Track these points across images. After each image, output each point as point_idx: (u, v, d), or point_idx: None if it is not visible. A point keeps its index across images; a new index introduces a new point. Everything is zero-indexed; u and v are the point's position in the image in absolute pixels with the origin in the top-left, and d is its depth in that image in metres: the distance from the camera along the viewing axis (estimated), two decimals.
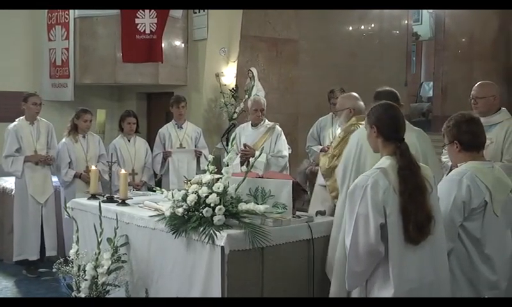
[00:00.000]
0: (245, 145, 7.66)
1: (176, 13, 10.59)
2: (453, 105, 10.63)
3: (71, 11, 10.43)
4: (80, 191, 8.13)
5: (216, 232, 4.55)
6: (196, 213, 4.75)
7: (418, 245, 3.70)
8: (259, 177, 5.25)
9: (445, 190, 4.12)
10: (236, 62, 10.66)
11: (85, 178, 8.27)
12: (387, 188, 3.68)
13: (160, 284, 5.19)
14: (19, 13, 10.36)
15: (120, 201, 5.94)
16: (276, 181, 5.12)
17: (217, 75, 10.58)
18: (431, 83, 14.13)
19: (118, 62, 10.43)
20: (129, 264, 5.50)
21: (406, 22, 12.79)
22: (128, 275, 5.50)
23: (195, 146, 9.11)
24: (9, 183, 9.03)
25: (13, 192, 8.65)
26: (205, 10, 10.46)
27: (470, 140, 4.24)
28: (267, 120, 8.02)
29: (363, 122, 6.31)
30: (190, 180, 5.14)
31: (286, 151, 7.86)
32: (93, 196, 6.34)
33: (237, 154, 7.50)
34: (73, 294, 5.63)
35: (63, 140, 8.51)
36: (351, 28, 12.21)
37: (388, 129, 3.88)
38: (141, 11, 10.21)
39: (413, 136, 5.04)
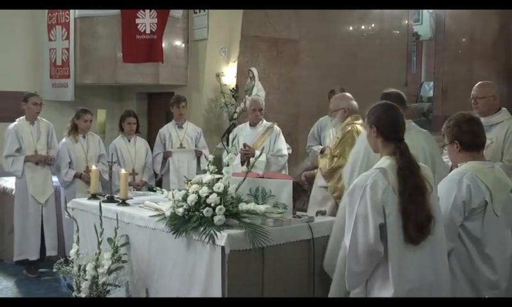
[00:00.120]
0: (245, 145, 7.66)
1: (177, 13, 10.59)
2: (453, 105, 10.63)
3: (71, 11, 10.43)
4: (80, 191, 8.13)
5: (217, 232, 4.55)
6: (197, 213, 4.75)
7: (418, 245, 3.70)
8: (260, 177, 5.24)
9: (445, 190, 4.12)
10: (236, 62, 10.67)
11: (85, 178, 8.28)
12: (386, 189, 3.67)
13: (161, 284, 5.19)
14: (19, 13, 10.35)
15: (121, 201, 5.94)
16: (276, 181, 5.13)
17: (218, 75, 10.58)
18: (431, 83, 14.12)
19: (118, 62, 10.43)
20: (129, 264, 5.50)
21: (407, 22, 12.80)
22: (129, 275, 5.50)
23: (195, 146, 9.11)
24: (9, 183, 9.03)
25: (14, 192, 8.65)
26: (206, 10, 10.46)
27: (470, 140, 4.24)
28: (265, 120, 8.03)
29: (358, 121, 6.37)
30: (190, 180, 5.14)
31: (285, 150, 7.89)
32: (94, 196, 6.34)
33: (235, 154, 7.51)
34: (74, 294, 5.63)
35: (63, 140, 8.51)
36: (351, 28, 12.21)
37: (387, 129, 3.88)
38: (141, 11, 10.21)
39: (420, 138, 5.05)
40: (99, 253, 5.43)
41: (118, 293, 5.49)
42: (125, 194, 5.97)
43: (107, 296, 5.44)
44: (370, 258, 3.70)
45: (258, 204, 4.84)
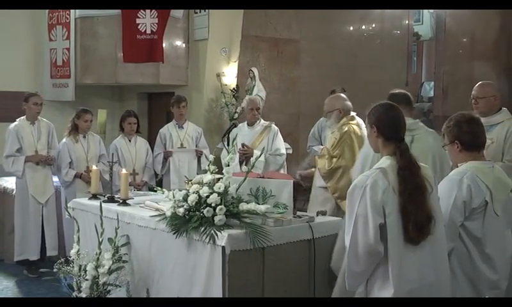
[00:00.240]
0: (243, 145, 7.66)
1: (177, 13, 10.60)
2: (454, 105, 10.61)
3: (72, 11, 10.45)
4: (80, 191, 8.13)
5: (217, 232, 4.55)
6: (197, 213, 4.74)
7: (418, 246, 3.70)
8: (260, 177, 5.24)
9: (445, 190, 4.12)
10: (237, 62, 10.67)
11: (85, 178, 8.29)
12: (386, 189, 3.67)
13: (161, 284, 5.19)
14: (20, 13, 10.36)
15: (121, 201, 5.94)
16: (276, 181, 5.12)
17: (218, 75, 10.59)
18: (432, 83, 14.09)
19: (118, 62, 10.44)
20: (130, 264, 5.50)
21: (407, 22, 12.78)
22: (129, 275, 5.49)
23: (196, 146, 9.12)
24: (10, 183, 9.03)
25: (14, 192, 8.65)
26: (206, 10, 10.46)
27: (470, 140, 4.24)
28: (262, 119, 8.05)
29: (353, 121, 6.39)
30: (191, 180, 5.14)
31: (283, 149, 7.91)
32: (94, 196, 6.34)
33: (233, 154, 7.51)
34: (74, 294, 5.63)
35: (64, 140, 8.52)
36: (351, 28, 12.21)
37: (388, 129, 3.88)
38: (141, 11, 10.22)
39: (429, 138, 5.06)
40: (100, 253, 5.43)
41: (118, 293, 5.49)
42: (125, 194, 5.96)
43: (108, 296, 5.44)
44: (370, 258, 3.70)
45: (259, 204, 4.84)
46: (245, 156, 7.61)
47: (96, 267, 5.40)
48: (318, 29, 11.42)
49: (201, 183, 4.89)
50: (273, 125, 7.93)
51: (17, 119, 8.47)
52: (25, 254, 8.40)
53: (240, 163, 7.53)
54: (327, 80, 10.39)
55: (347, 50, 11.70)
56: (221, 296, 4.53)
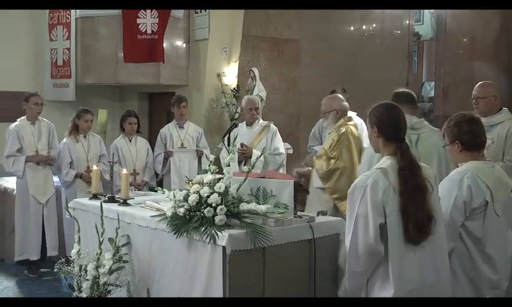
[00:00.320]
0: (242, 144, 7.66)
1: (178, 13, 10.60)
2: (454, 105, 10.62)
3: (72, 11, 10.45)
4: (81, 191, 8.14)
5: (218, 232, 4.54)
6: (198, 213, 4.74)
7: (419, 246, 3.70)
8: (261, 177, 5.24)
9: (445, 190, 4.12)
10: (237, 62, 10.68)
11: (86, 178, 8.30)
12: (387, 189, 3.67)
13: (162, 284, 5.18)
14: (20, 13, 10.37)
15: (122, 201, 5.94)
16: (277, 181, 5.12)
17: (219, 75, 10.60)
18: (433, 83, 14.10)
19: (119, 62, 10.44)
20: (131, 264, 5.50)
21: (408, 22, 12.78)
22: (130, 275, 5.49)
23: (196, 146, 9.11)
24: (10, 183, 9.03)
25: (15, 192, 8.66)
26: (207, 10, 10.47)
27: (471, 140, 4.24)
28: (261, 119, 8.05)
29: (351, 122, 6.39)
30: (191, 180, 5.13)
31: (282, 148, 7.92)
32: (95, 196, 6.34)
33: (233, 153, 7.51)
34: (75, 294, 5.62)
35: (64, 140, 8.52)
36: (352, 28, 12.22)
37: (389, 129, 3.88)
38: (142, 11, 10.22)
39: (434, 136, 5.07)
40: (100, 253, 5.42)
41: (119, 293, 5.48)
42: (126, 194, 5.96)
43: (108, 296, 5.44)
44: (371, 258, 3.70)
45: (259, 204, 4.84)
46: (244, 156, 7.61)
47: (97, 267, 5.39)
48: (318, 29, 11.43)
49: (201, 183, 4.89)
50: (272, 125, 7.94)
51: (18, 119, 8.48)
52: (25, 254, 8.40)
53: (239, 163, 7.53)
54: (327, 80, 10.38)
55: (347, 50, 11.71)
56: (221, 296, 4.53)
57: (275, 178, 5.24)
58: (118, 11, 10.22)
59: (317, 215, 5.25)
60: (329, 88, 8.48)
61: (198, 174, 7.24)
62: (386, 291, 3.67)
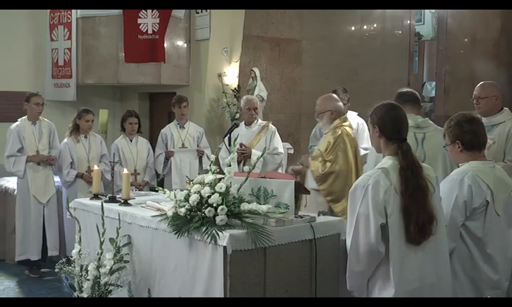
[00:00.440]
0: (241, 144, 7.65)
1: (179, 13, 10.61)
2: (455, 105, 10.63)
3: (73, 11, 10.45)
4: (82, 191, 8.15)
5: (218, 232, 4.54)
6: (199, 213, 4.74)
7: (420, 246, 3.70)
8: (261, 177, 5.24)
9: (446, 190, 4.12)
10: (238, 62, 10.68)
11: (86, 178, 8.31)
12: (388, 189, 3.67)
13: (163, 284, 5.18)
14: (21, 13, 10.37)
15: (122, 201, 5.94)
16: (278, 181, 5.12)
17: (220, 75, 10.60)
18: (434, 83, 14.10)
19: (120, 62, 10.45)
20: (131, 264, 5.50)
21: (409, 22, 12.78)
22: (131, 275, 5.49)
23: (197, 146, 9.11)
24: (11, 183, 9.04)
25: (15, 192, 8.66)
26: (208, 10, 10.47)
27: (471, 139, 4.24)
28: (260, 119, 8.05)
29: (346, 123, 6.38)
30: (192, 180, 5.13)
31: (281, 148, 7.92)
32: (96, 196, 6.34)
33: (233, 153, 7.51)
34: (76, 294, 5.62)
35: (65, 140, 8.53)
36: (353, 28, 12.22)
37: (390, 129, 3.88)
38: (143, 11, 10.23)
39: (439, 135, 5.07)
40: (101, 253, 5.42)
41: (120, 293, 5.48)
42: (127, 194, 5.96)
43: (109, 296, 5.44)
44: (371, 258, 3.70)
45: (260, 204, 4.83)
46: (243, 156, 7.61)
47: (98, 267, 5.39)
48: (319, 29, 11.43)
49: (202, 183, 4.88)
50: (270, 125, 7.93)
51: (18, 119, 8.48)
52: (26, 254, 8.40)
53: (238, 162, 7.53)
54: (328, 81, 10.41)
55: (348, 51, 11.72)
56: (222, 296, 4.53)
57: (276, 178, 5.24)
58: (119, 11, 10.23)
59: (318, 215, 5.25)
60: (330, 88, 8.46)
61: (198, 174, 7.22)
62: (387, 291, 3.67)
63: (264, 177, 5.22)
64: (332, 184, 6.18)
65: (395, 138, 3.85)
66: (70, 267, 5.62)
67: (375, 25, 12.39)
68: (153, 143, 9.25)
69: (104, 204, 5.63)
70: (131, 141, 8.73)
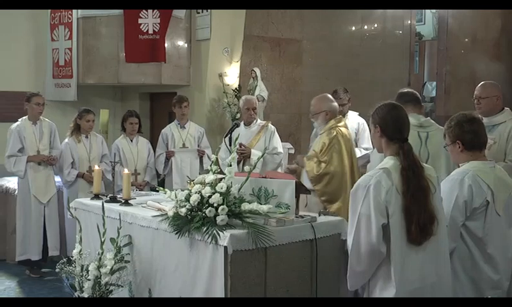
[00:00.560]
0: (240, 144, 7.65)
1: (180, 13, 10.61)
2: (456, 105, 10.64)
3: (74, 11, 10.45)
4: (82, 191, 8.16)
5: (219, 232, 4.54)
6: (199, 213, 4.74)
7: (421, 246, 3.70)
8: (262, 177, 5.24)
9: (446, 190, 4.12)
10: (239, 62, 10.68)
11: (87, 178, 8.31)
12: (390, 189, 3.67)
13: (164, 284, 5.19)
14: (22, 13, 10.37)
15: (123, 201, 5.94)
16: (279, 181, 5.12)
17: (220, 75, 10.60)
18: (434, 83, 14.10)
19: (121, 62, 10.45)
20: (132, 264, 5.50)
21: (409, 22, 12.78)
22: (132, 275, 5.49)
23: (198, 146, 9.11)
24: (12, 183, 9.05)
25: (16, 192, 8.67)
26: (208, 10, 10.46)
27: (472, 139, 4.24)
28: (259, 119, 8.05)
29: (341, 123, 6.38)
30: (193, 180, 5.13)
31: (281, 148, 7.92)
32: (96, 196, 6.34)
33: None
34: (76, 294, 5.62)
35: (66, 140, 8.53)
36: (353, 28, 12.22)
37: (391, 129, 3.88)
38: (144, 11, 10.23)
39: (441, 134, 5.07)
40: (102, 253, 5.43)
41: (120, 293, 5.49)
42: (127, 194, 5.96)
43: (110, 296, 5.44)
44: (373, 258, 3.70)
45: (261, 204, 4.84)
46: (242, 156, 7.61)
47: (99, 267, 5.39)
48: (320, 29, 11.43)
49: (203, 183, 4.89)
50: (270, 124, 7.93)
51: (19, 119, 8.49)
52: (27, 254, 8.40)
53: (238, 162, 7.53)
54: (329, 81, 10.41)
55: (349, 51, 11.72)
56: (223, 296, 4.53)
57: (276, 178, 5.24)
58: (119, 11, 10.23)
59: (319, 215, 5.25)
60: (331, 88, 8.46)
61: (199, 174, 7.22)
62: (388, 291, 3.67)
63: (265, 177, 5.22)
64: (327, 185, 6.18)
65: (397, 138, 3.85)
66: (71, 267, 5.63)
67: (375, 25, 12.39)
68: (153, 143, 9.25)
69: (105, 204, 5.64)
70: (131, 141, 8.74)
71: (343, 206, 6.07)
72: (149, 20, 10.25)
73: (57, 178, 8.67)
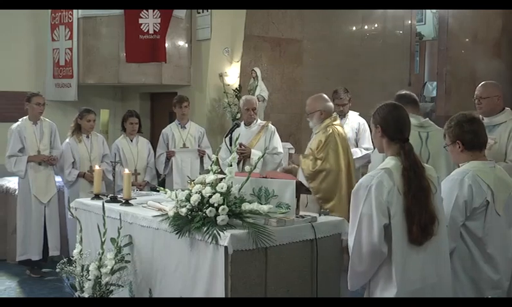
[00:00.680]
0: (240, 144, 7.65)
1: (180, 13, 10.60)
2: (456, 105, 10.65)
3: (74, 11, 10.45)
4: (83, 191, 8.16)
5: (220, 232, 4.54)
6: (200, 213, 4.74)
7: (422, 246, 3.70)
8: (262, 177, 5.24)
9: (446, 190, 4.12)
10: (239, 62, 10.67)
11: (88, 178, 8.30)
12: (391, 189, 3.67)
13: (164, 284, 5.19)
14: (22, 13, 10.37)
15: (124, 201, 5.94)
16: (279, 181, 5.12)
17: (221, 75, 10.59)
18: (435, 83, 14.11)
19: (121, 62, 10.45)
20: (133, 264, 5.50)
21: (410, 22, 12.80)
22: (132, 275, 5.50)
23: (198, 146, 9.11)
24: (12, 183, 9.04)
25: (16, 192, 8.66)
26: (209, 10, 10.46)
27: (472, 139, 4.23)
28: (259, 119, 8.05)
29: (337, 122, 6.40)
30: (193, 180, 5.13)
31: (280, 148, 7.94)
32: (97, 196, 6.34)
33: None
34: (77, 294, 5.62)
35: (67, 140, 8.53)
36: (354, 28, 12.23)
37: (393, 129, 3.87)
38: (144, 11, 10.22)
39: (440, 135, 5.07)
40: (102, 253, 5.43)
41: (121, 293, 5.49)
42: (128, 194, 5.97)
43: (110, 296, 5.44)
44: (374, 259, 3.69)
45: (261, 204, 4.84)
46: (242, 156, 7.62)
47: (99, 267, 5.40)
48: (320, 29, 11.44)
49: (203, 183, 4.89)
50: (270, 124, 7.94)
51: (20, 119, 8.48)
52: (27, 254, 8.40)
53: (238, 162, 7.53)
54: (329, 80, 10.42)
55: (349, 50, 11.72)
56: (223, 296, 4.53)
57: (277, 178, 5.24)
58: (120, 11, 10.22)
59: (319, 215, 5.25)
60: (331, 88, 8.48)
61: (200, 174, 7.22)
62: (389, 292, 3.66)
63: (265, 177, 5.23)
64: (322, 182, 6.20)
65: (398, 138, 3.84)
66: (71, 267, 5.63)
67: (376, 25, 12.39)
68: (154, 143, 9.25)
69: (105, 204, 5.64)
70: (132, 141, 8.74)
71: (338, 204, 6.09)
72: (149, 20, 10.25)
73: (58, 178, 8.66)
